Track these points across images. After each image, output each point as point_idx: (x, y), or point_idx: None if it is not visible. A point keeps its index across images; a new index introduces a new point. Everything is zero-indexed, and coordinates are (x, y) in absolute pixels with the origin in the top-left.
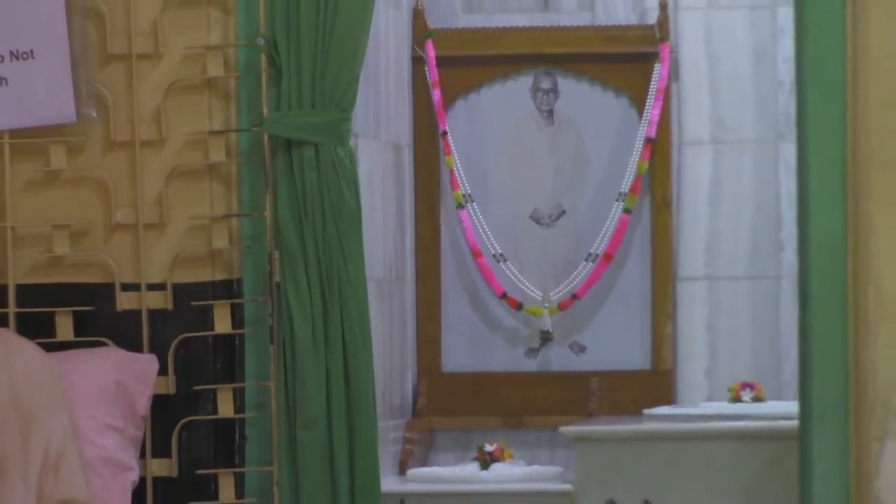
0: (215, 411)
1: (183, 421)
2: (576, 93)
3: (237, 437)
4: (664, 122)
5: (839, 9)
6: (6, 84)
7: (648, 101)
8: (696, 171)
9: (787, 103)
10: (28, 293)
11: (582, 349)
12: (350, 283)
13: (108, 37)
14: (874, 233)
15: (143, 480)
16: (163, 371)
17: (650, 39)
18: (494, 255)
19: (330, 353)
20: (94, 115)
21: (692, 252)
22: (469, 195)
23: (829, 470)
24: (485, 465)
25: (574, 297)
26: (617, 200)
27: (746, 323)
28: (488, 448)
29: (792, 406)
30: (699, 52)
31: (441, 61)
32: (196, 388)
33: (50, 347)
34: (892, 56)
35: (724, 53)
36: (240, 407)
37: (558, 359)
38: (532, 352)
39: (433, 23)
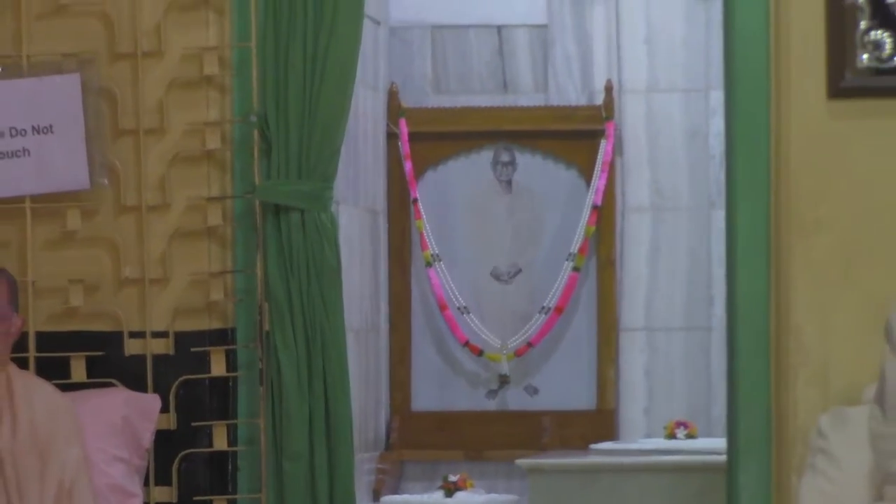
0: (211, 445)
1: (182, 453)
2: (531, 165)
3: (230, 467)
4: (609, 191)
5: (764, 91)
6: (29, 155)
7: (595, 172)
8: (637, 234)
9: (717, 174)
10: (46, 340)
11: (535, 391)
12: (331, 333)
13: (119, 114)
14: (794, 289)
15: None
16: (164, 409)
17: (597, 118)
18: (459, 308)
19: (312, 394)
20: (106, 182)
21: (633, 306)
22: (437, 255)
23: (754, 501)
24: (449, 493)
25: (529, 345)
26: (567, 260)
27: (681, 368)
28: (452, 478)
29: (720, 442)
30: (640, 129)
31: (412, 136)
32: (194, 424)
33: (65, 388)
34: (811, 133)
35: (663, 131)
36: (233, 441)
37: (514, 399)
38: (491, 393)
39: (406, 102)
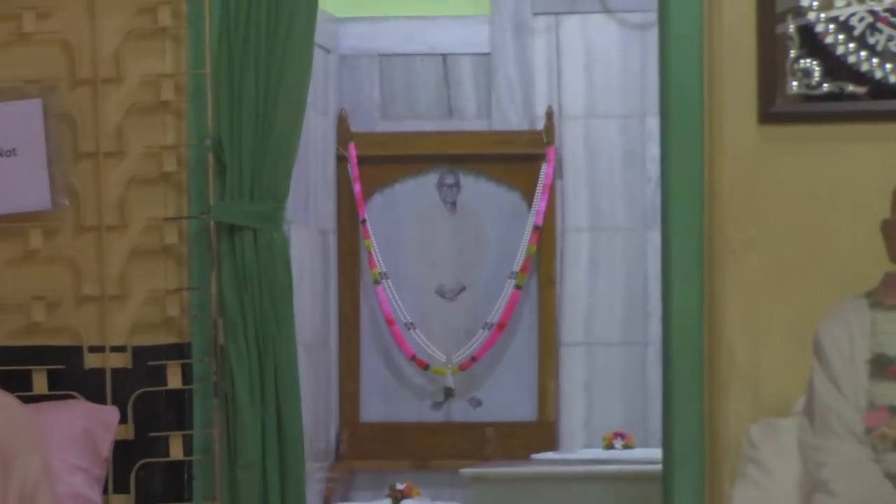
0: (168, 454)
1: (140, 462)
2: (475, 187)
3: (186, 476)
4: (550, 213)
5: (698, 117)
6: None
7: (536, 194)
8: (576, 254)
9: (653, 197)
10: (9, 354)
11: (479, 403)
12: (283, 347)
13: (79, 138)
14: (726, 306)
15: None
16: (123, 420)
17: (538, 143)
18: (405, 324)
19: (265, 406)
20: (67, 203)
21: (573, 322)
22: (384, 273)
23: (688, 502)
24: (396, 501)
25: (473, 359)
26: (509, 278)
27: (618, 382)
28: (399, 487)
29: (656, 452)
30: (579, 153)
31: (361, 160)
32: (151, 434)
33: (27, 400)
34: (742, 157)
35: (601, 155)
36: (188, 451)
37: (459, 411)
38: (437, 405)
39: (355, 127)
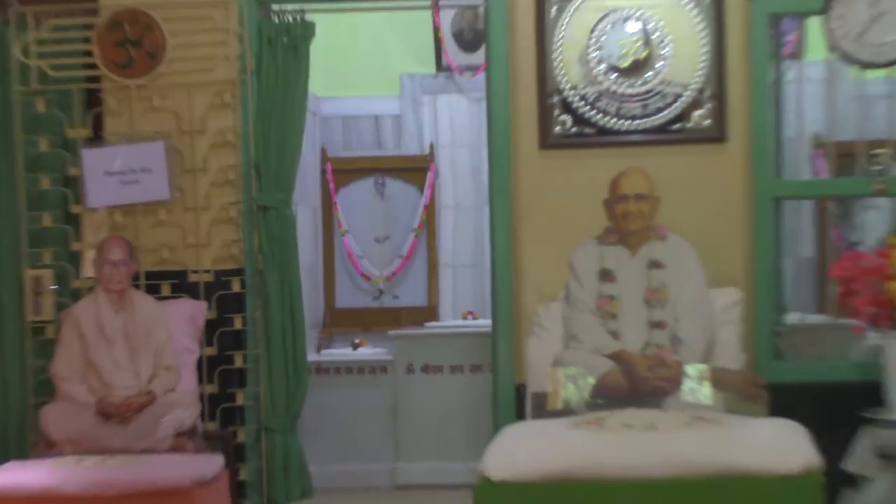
0: (233, 325)
1: (219, 330)
2: (394, 185)
3: (243, 338)
4: (433, 198)
5: (506, 145)
6: (138, 183)
7: (425, 188)
8: (446, 219)
9: (486, 189)
10: (150, 275)
11: (397, 297)
12: (292, 269)
13: (184, 161)
14: (522, 245)
15: (200, 358)
16: (210, 308)
17: (426, 161)
18: (358, 256)
19: (283, 300)
20: (178, 195)
21: (445, 254)
22: (347, 230)
23: (504, 348)
24: (354, 348)
25: (393, 274)
26: (411, 231)
27: (469, 284)
28: (356, 341)
29: (489, 321)
30: (447, 166)
31: (334, 171)
32: (224, 315)
33: (159, 298)
34: (530, 167)
35: (458, 167)
36: (243, 324)
37: (387, 301)
38: (375, 298)
39: (329, 154)
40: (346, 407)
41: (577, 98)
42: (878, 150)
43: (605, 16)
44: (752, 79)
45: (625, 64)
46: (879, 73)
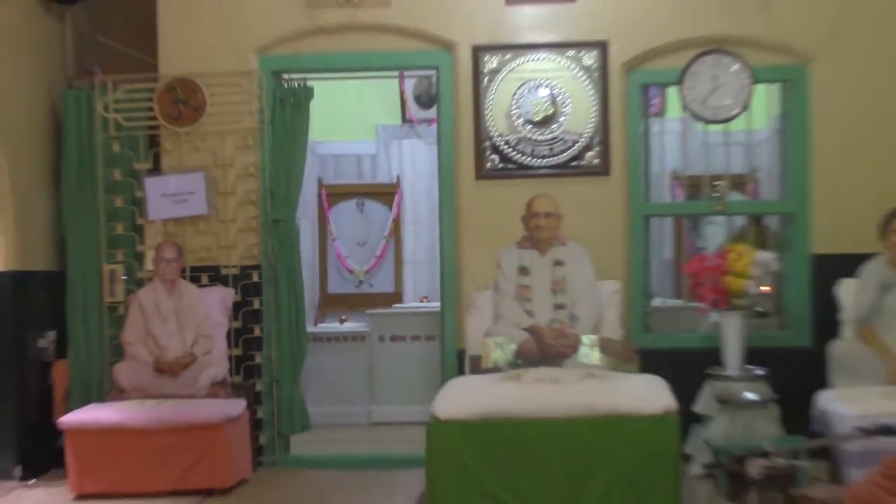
0: (253, 306)
1: (242, 310)
2: (370, 205)
3: (261, 314)
4: (399, 215)
5: (451, 177)
6: (186, 202)
7: (393, 207)
8: (408, 231)
9: (437, 208)
10: (194, 269)
11: (371, 285)
12: (296, 265)
13: (218, 185)
14: (462, 245)
15: (229, 330)
16: (237, 294)
17: (394, 187)
18: (344, 256)
19: (289, 288)
20: (214, 210)
21: (408, 254)
22: (336, 237)
23: (450, 323)
24: (341, 322)
25: (369, 269)
26: (384, 238)
27: (426, 277)
28: (343, 318)
29: (438, 304)
30: (409, 191)
31: (328, 195)
32: (247, 298)
33: (199, 286)
34: (468, 194)
35: (418, 193)
36: (260, 304)
37: (365, 288)
38: (356, 286)
39: (324, 181)
40: (334, 365)
41: (503, 143)
42: (717, 182)
43: (523, 84)
44: (628, 130)
45: (537, 118)
46: (718, 127)
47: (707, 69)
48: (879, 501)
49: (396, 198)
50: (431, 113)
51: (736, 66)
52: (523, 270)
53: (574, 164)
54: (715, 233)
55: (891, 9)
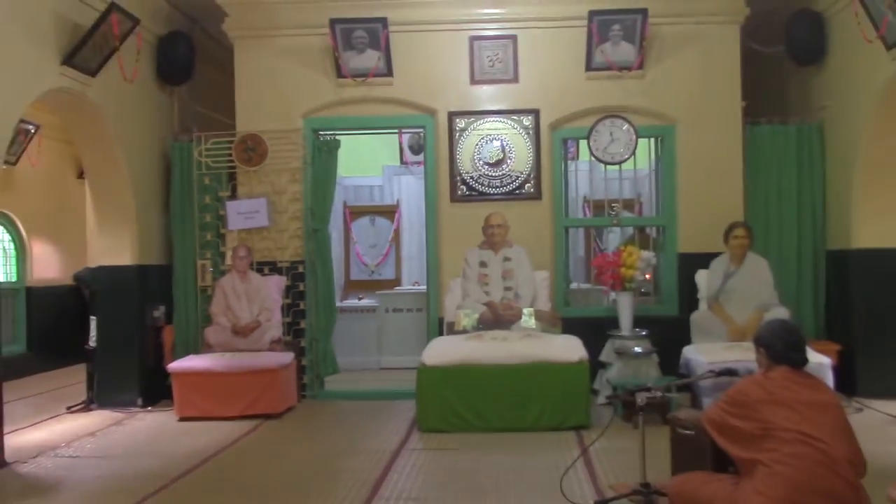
0: (300, 288)
1: (290, 291)
2: (379, 220)
3: (305, 298)
4: (398, 226)
5: (435, 201)
6: (254, 218)
7: (395, 221)
8: (408, 238)
9: (425, 223)
10: (257, 265)
11: (380, 274)
12: (327, 261)
13: (276, 206)
14: (439, 245)
15: (283, 305)
16: (288, 280)
17: (395, 207)
18: (363, 254)
19: (323, 276)
20: (273, 222)
21: (405, 251)
22: (356, 241)
23: (433, 300)
24: (360, 299)
25: (378, 263)
26: (389, 242)
27: (418, 268)
28: (360, 296)
29: (426, 287)
30: (406, 210)
31: (351, 213)
32: (295, 283)
33: (263, 275)
34: (446, 215)
35: (412, 211)
36: (305, 287)
37: (378, 276)
38: (370, 275)
39: (348, 203)
40: (355, 329)
41: (469, 177)
42: (614, 204)
43: (482, 137)
44: (553, 169)
45: (492, 161)
46: (614, 167)
47: (606, 128)
48: (723, 419)
49: (396, 215)
50: (421, 157)
51: (626, 126)
52: (482, 264)
53: (517, 192)
54: (613, 239)
55: (729, 91)
